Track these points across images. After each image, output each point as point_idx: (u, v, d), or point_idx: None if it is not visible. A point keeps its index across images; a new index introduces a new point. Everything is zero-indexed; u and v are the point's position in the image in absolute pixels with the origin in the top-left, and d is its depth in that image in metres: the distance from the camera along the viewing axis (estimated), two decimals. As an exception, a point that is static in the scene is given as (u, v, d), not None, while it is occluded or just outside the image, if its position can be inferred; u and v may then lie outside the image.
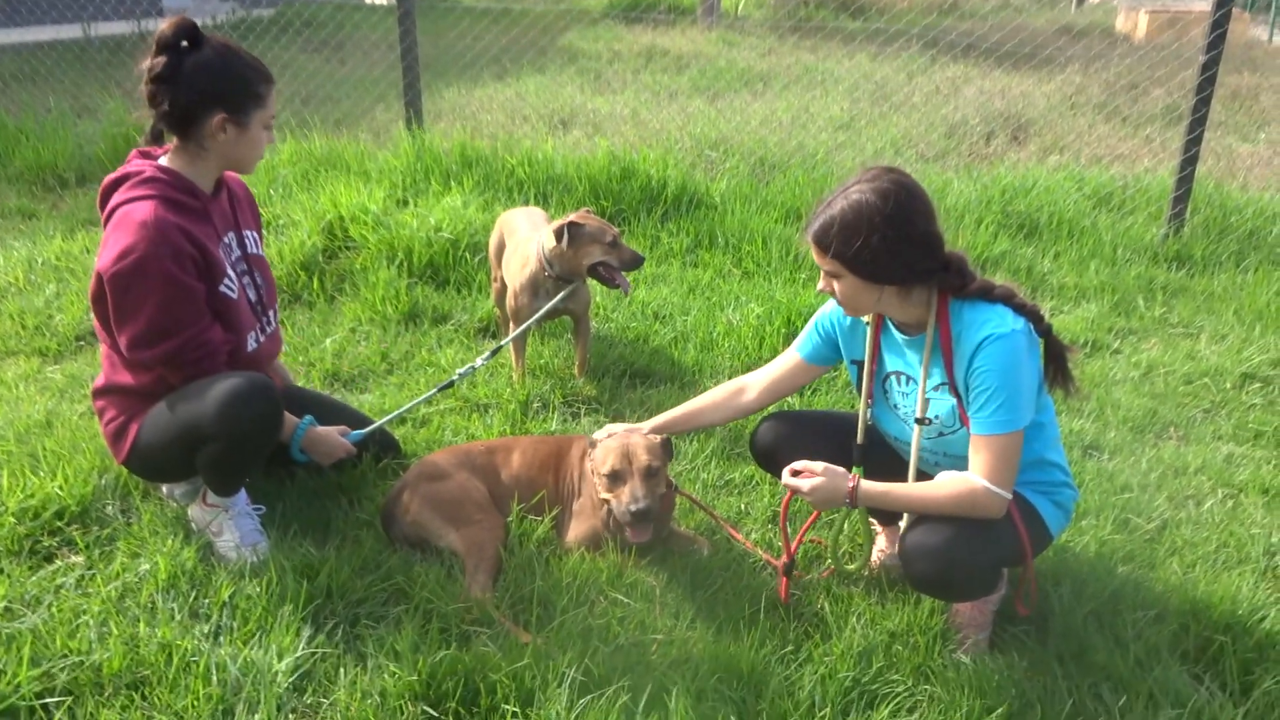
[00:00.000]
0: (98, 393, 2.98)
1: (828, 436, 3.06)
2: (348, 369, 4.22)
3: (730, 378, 4.30)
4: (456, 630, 2.66)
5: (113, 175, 2.85)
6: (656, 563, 3.03)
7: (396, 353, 4.39)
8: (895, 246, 2.48)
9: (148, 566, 2.77)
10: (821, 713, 2.48)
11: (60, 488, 3.03)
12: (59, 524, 2.95)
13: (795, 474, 2.70)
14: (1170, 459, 3.82)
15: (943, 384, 2.67)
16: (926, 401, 2.68)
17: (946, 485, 2.62)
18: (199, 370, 2.79)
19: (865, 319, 2.80)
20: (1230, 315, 5.17)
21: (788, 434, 3.06)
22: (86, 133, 7.52)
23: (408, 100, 6.86)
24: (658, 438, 3.00)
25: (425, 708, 2.40)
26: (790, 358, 2.99)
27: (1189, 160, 6.00)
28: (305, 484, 3.28)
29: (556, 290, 4.04)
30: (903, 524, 2.84)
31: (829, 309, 2.92)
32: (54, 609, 2.60)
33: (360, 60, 10.96)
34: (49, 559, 2.85)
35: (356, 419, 3.42)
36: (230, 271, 2.92)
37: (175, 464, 2.87)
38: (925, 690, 2.61)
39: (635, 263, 4.04)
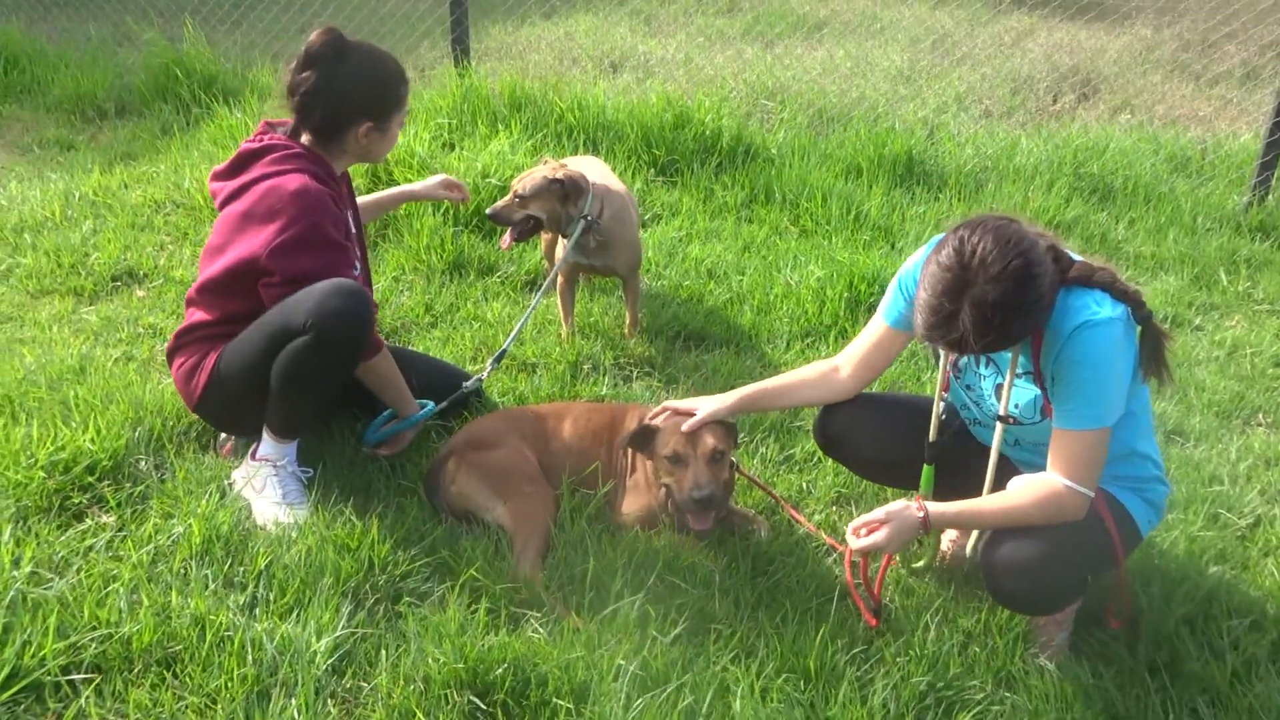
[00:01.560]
0: (174, 348, 2.96)
1: (898, 421, 2.85)
2: (390, 320, 4.05)
3: (789, 344, 4.11)
4: (505, 611, 2.50)
5: (253, 145, 2.88)
6: (714, 544, 2.85)
7: (441, 305, 4.20)
8: (1044, 294, 2.24)
9: (181, 529, 2.63)
10: (896, 722, 2.30)
11: (92, 440, 2.89)
12: (90, 479, 2.81)
13: (859, 532, 2.49)
14: (1260, 448, 3.57)
15: (1027, 372, 2.44)
16: (1008, 396, 2.46)
17: (1026, 492, 2.41)
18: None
19: None
20: (1321, 292, 4.86)
21: (855, 420, 2.85)
22: (126, 62, 7.33)
23: (455, 37, 6.59)
24: (720, 422, 2.78)
25: (472, 697, 2.25)
26: (877, 326, 2.76)
27: (1280, 125, 5.63)
28: (344, 448, 3.12)
29: (599, 248, 3.83)
30: (975, 533, 2.63)
31: (911, 266, 2.67)
32: (83, 574, 2.46)
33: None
34: (79, 517, 2.71)
35: (451, 376, 3.38)
36: (355, 251, 2.97)
37: (252, 393, 2.77)
38: (1006, 699, 2.43)
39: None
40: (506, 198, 3.85)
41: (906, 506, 2.46)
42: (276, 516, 2.76)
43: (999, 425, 2.49)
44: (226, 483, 2.90)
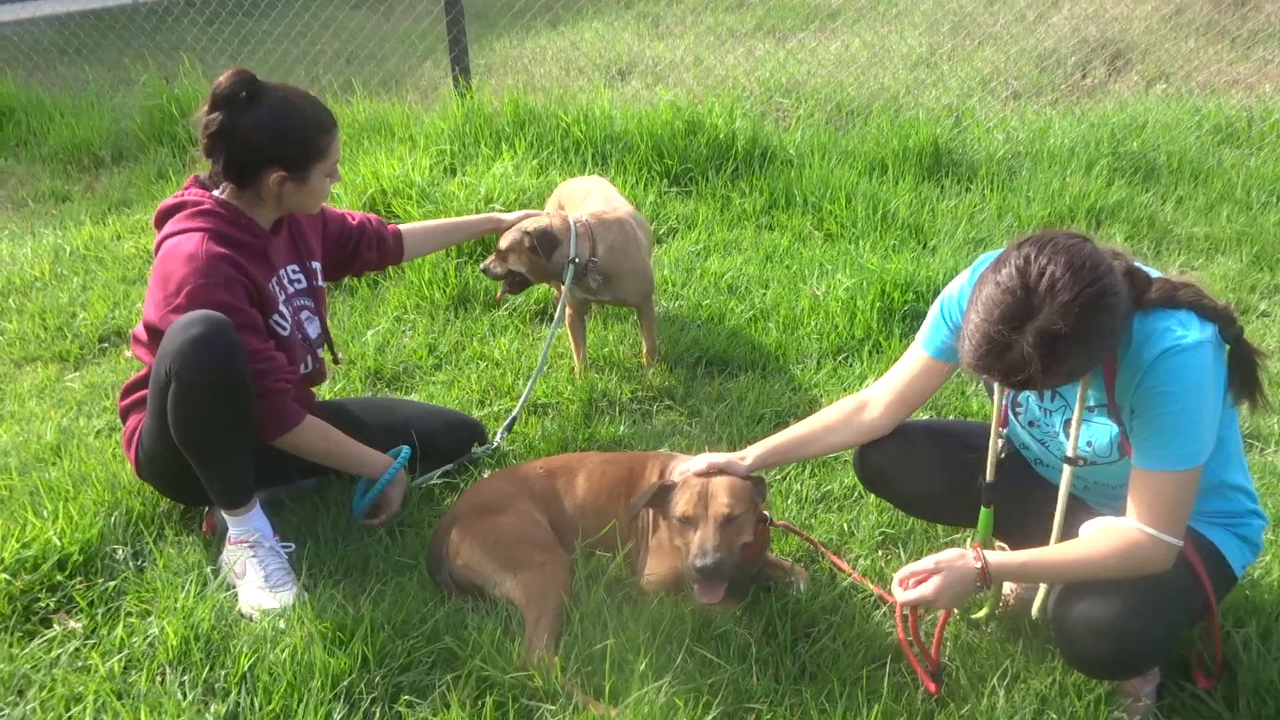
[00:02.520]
0: (125, 410, 2.84)
1: (947, 452, 2.54)
2: (390, 366, 3.80)
3: (819, 363, 3.81)
4: (515, 705, 2.23)
5: (169, 201, 2.76)
6: (749, 607, 2.56)
7: (445, 344, 3.94)
8: (1117, 318, 1.94)
9: (156, 631, 2.38)
10: (969, 819, 2.00)
11: (62, 532, 2.65)
12: (60, 576, 2.57)
13: (906, 583, 2.19)
14: (1351, 451, 3.22)
15: (1101, 405, 2.12)
16: (1077, 433, 2.15)
17: (1100, 541, 2.09)
18: (265, 388, 2.62)
19: None
20: (1396, 267, 4.47)
21: (899, 452, 2.55)
22: (123, 106, 7.16)
23: (453, 57, 6.36)
24: (742, 480, 2.49)
25: (480, 814, 1.98)
26: (915, 357, 2.45)
27: (1335, 86, 5.24)
28: (340, 519, 2.86)
29: (605, 282, 3.56)
30: (1042, 589, 2.31)
31: (955, 290, 2.37)
32: (44, 693, 2.21)
33: (406, 11, 10.45)
34: (45, 623, 2.47)
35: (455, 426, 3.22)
36: (282, 307, 2.79)
37: (174, 458, 2.58)
38: (1094, 778, 2.12)
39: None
40: (494, 254, 3.61)
41: (962, 556, 2.16)
42: (260, 603, 2.51)
43: (1067, 469, 2.17)
44: (210, 569, 2.66)
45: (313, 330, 2.94)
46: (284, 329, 2.77)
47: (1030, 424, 2.31)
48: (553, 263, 3.48)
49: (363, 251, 3.20)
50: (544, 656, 2.34)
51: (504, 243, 3.53)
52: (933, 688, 2.27)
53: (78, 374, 3.81)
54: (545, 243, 3.44)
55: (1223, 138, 5.85)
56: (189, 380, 2.44)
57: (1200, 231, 4.91)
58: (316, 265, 2.99)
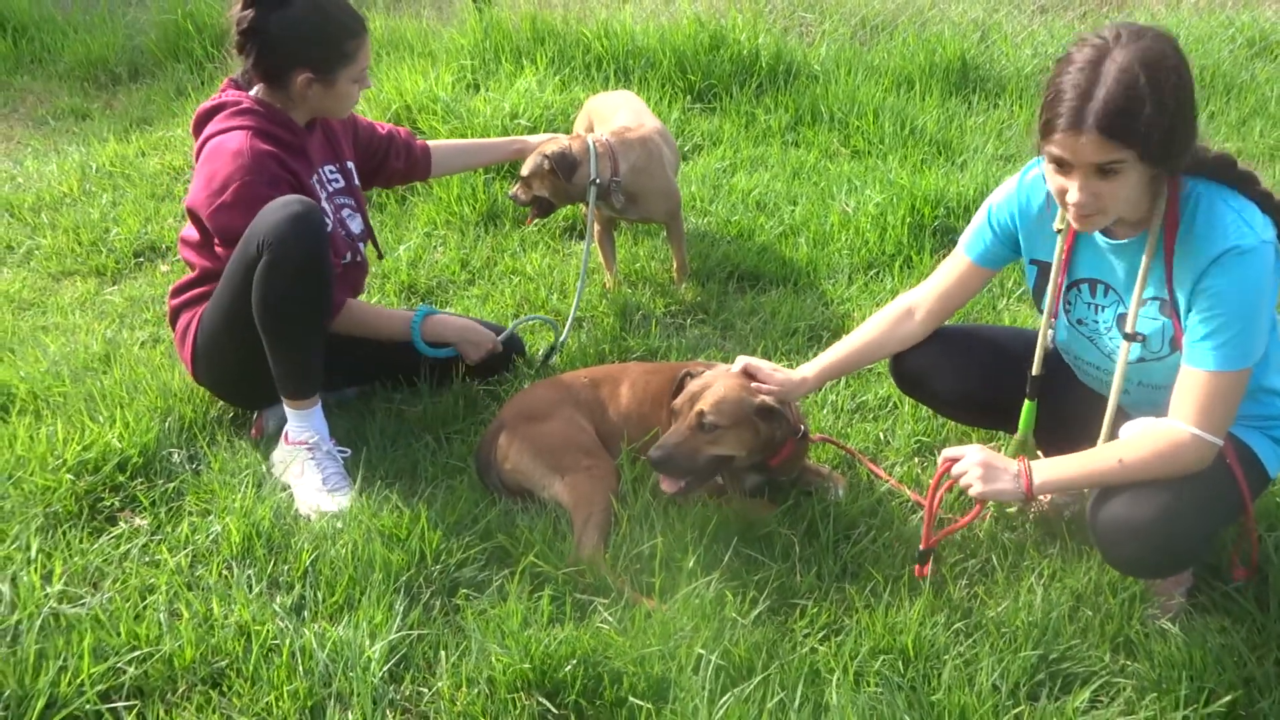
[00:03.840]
0: (174, 311, 2.90)
1: (988, 359, 2.58)
2: (425, 280, 3.82)
3: (851, 278, 3.83)
4: (569, 599, 2.31)
5: (207, 104, 2.80)
6: (791, 509, 2.63)
7: (477, 259, 3.97)
8: (1186, 119, 1.95)
9: (219, 528, 2.46)
10: (1009, 705, 2.08)
11: (120, 436, 2.72)
12: (121, 478, 2.64)
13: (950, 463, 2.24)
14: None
15: (1156, 298, 2.15)
16: (1136, 311, 2.16)
17: (1145, 443, 2.11)
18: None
19: (1057, 221, 2.26)
20: None
21: (936, 355, 2.58)
22: (136, 22, 7.06)
23: (471, -30, 6.24)
24: (739, 395, 2.50)
25: (541, 699, 2.07)
26: (958, 262, 2.48)
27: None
28: (387, 425, 2.92)
29: (629, 202, 3.56)
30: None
31: (1002, 197, 2.38)
32: (118, 585, 2.30)
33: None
34: (111, 520, 2.55)
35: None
36: (325, 205, 2.83)
37: (239, 349, 2.67)
38: (1129, 668, 2.20)
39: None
40: (518, 181, 3.64)
41: (1010, 465, 2.19)
42: (319, 505, 2.58)
43: (1125, 345, 2.19)
44: (264, 468, 2.73)
45: (355, 226, 2.98)
46: (326, 225, 2.78)
47: (1078, 321, 2.33)
48: (574, 185, 3.49)
49: (391, 160, 3.23)
50: (594, 554, 2.41)
51: (525, 169, 3.55)
52: (919, 569, 2.34)
53: (115, 288, 3.85)
54: (564, 165, 3.44)
55: (1256, 51, 5.77)
56: (282, 256, 2.50)
57: (1233, 147, 4.86)
58: (351, 166, 3.03)
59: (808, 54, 5.74)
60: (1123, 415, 2.30)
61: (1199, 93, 5.28)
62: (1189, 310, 2.08)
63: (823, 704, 2.08)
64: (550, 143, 3.52)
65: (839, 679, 2.10)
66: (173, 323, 2.91)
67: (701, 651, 2.14)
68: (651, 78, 5.41)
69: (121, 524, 2.51)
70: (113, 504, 2.58)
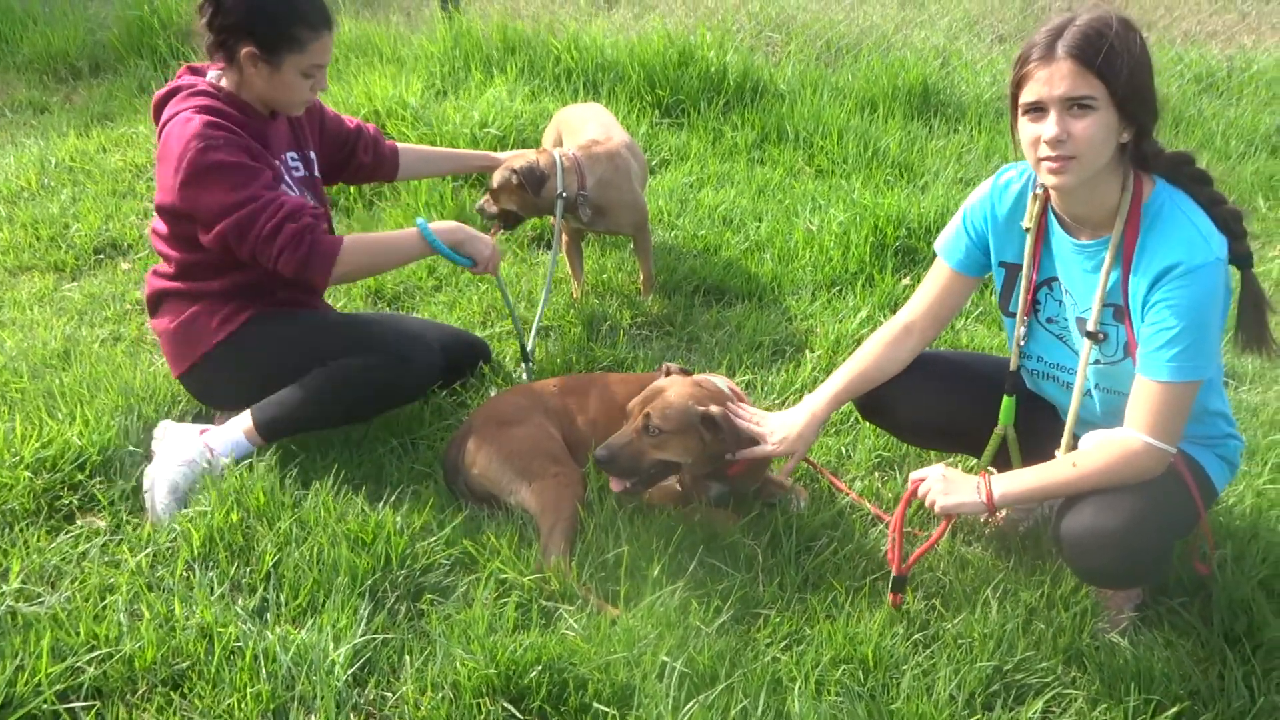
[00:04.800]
0: (153, 303, 2.86)
1: (951, 381, 2.63)
2: (391, 286, 3.82)
3: (814, 294, 3.88)
4: (535, 605, 2.32)
5: (164, 90, 2.77)
6: (754, 521, 2.66)
7: (444, 266, 3.97)
8: (1148, 75, 2.06)
9: (180, 529, 2.43)
10: (965, 714, 2.13)
11: (80, 434, 2.68)
12: (80, 476, 2.61)
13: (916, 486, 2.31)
14: (1319, 390, 3.38)
15: (1110, 304, 2.21)
16: (1100, 306, 2.23)
17: (1101, 454, 2.19)
18: (295, 225, 2.61)
19: (1025, 220, 2.33)
20: (1366, 218, 4.63)
21: (898, 382, 2.60)
22: (98, 16, 6.97)
23: (441, -23, 6.25)
24: (696, 404, 2.51)
25: (506, 705, 2.08)
26: (940, 273, 2.52)
27: (1316, 40, 5.34)
28: (353, 430, 2.91)
29: (596, 215, 3.59)
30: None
31: (976, 200, 2.43)
32: (78, 585, 2.27)
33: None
34: (69, 519, 2.52)
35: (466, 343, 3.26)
36: (288, 178, 2.79)
37: (277, 374, 2.72)
38: (1080, 679, 2.26)
39: None
40: (486, 194, 3.66)
41: (970, 479, 2.26)
42: (157, 487, 2.58)
43: (1086, 342, 2.25)
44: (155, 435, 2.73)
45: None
46: (288, 186, 2.78)
47: (1048, 320, 2.39)
48: (542, 198, 3.51)
49: (358, 154, 3.20)
50: (560, 561, 2.43)
51: (494, 182, 3.57)
52: (894, 598, 2.38)
53: (75, 284, 3.80)
54: (532, 180, 3.47)
55: (1203, 87, 5.95)
56: (406, 382, 2.78)
57: (1180, 179, 5.02)
58: (314, 156, 2.99)
59: (774, 73, 5.82)
60: (1094, 426, 2.37)
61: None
62: (1142, 319, 2.15)
63: (784, 712, 2.11)
64: (518, 158, 3.54)
65: (800, 687, 2.14)
66: (153, 308, 2.85)
67: (666, 659, 2.16)
68: (620, 91, 5.46)
69: (79, 523, 2.47)
70: (71, 502, 2.55)
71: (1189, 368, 2.11)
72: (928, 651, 2.28)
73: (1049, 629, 2.37)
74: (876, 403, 2.65)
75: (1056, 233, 2.29)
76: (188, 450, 2.62)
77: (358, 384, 2.68)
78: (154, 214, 2.77)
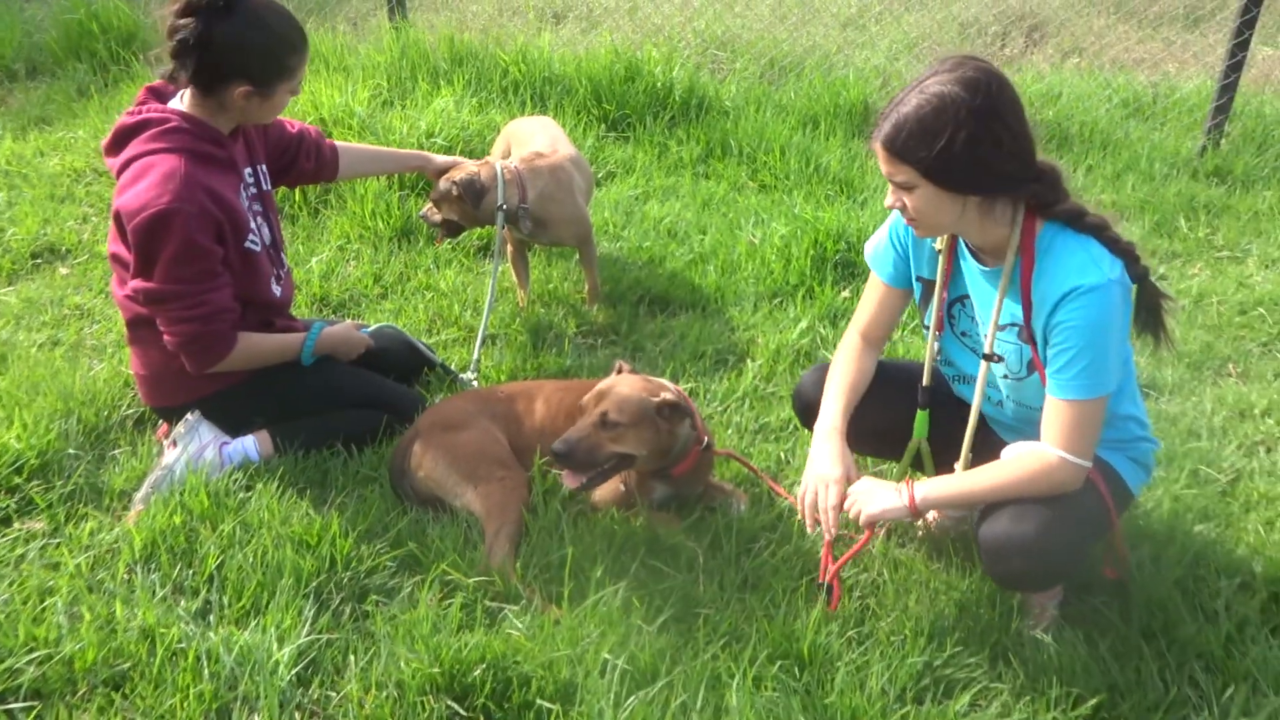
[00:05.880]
0: (133, 310, 2.80)
1: (883, 389, 2.72)
2: (337, 293, 3.83)
3: (756, 305, 3.97)
4: (480, 606, 2.35)
5: (129, 120, 2.71)
6: (695, 524, 2.72)
7: (390, 274, 3.99)
8: (982, 147, 2.08)
9: (120, 531, 2.43)
10: (896, 708, 2.20)
11: (18, 437, 2.66)
12: (17, 480, 2.59)
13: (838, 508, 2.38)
14: (1234, 400, 3.54)
15: (1014, 325, 2.32)
16: (994, 333, 2.33)
17: (1019, 465, 2.30)
18: (201, 328, 2.65)
19: (937, 243, 2.43)
20: (1279, 236, 4.84)
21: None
22: (35, 18, 6.86)
23: (389, -12, 6.26)
24: (650, 396, 2.59)
25: (450, 703, 2.11)
26: (874, 286, 2.61)
27: (1234, 66, 5.58)
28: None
29: (538, 227, 3.63)
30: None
31: (897, 215, 2.53)
32: (15, 587, 2.25)
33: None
34: (6, 522, 2.49)
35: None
36: (252, 223, 2.82)
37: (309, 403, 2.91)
38: (1005, 674, 2.35)
39: None
40: (428, 203, 3.70)
41: (893, 486, 2.35)
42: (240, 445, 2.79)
43: (983, 365, 2.36)
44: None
45: (265, 235, 2.92)
46: (256, 245, 2.79)
47: (962, 334, 2.49)
48: (482, 210, 3.55)
49: (300, 160, 3.22)
50: (505, 563, 2.46)
51: (434, 193, 3.61)
52: (832, 604, 2.45)
53: (12, 288, 3.74)
54: (471, 192, 3.51)
55: (1130, 111, 6.18)
56: (358, 435, 2.92)
57: (1107, 198, 5.21)
58: (264, 169, 3.00)
59: (719, 90, 5.93)
60: (1009, 437, 2.48)
61: (1078, 147, 5.67)
62: (1045, 343, 2.25)
63: (723, 706, 2.17)
64: (459, 169, 3.57)
65: (739, 683, 2.20)
66: (131, 331, 2.82)
67: (608, 656, 2.21)
68: (568, 105, 5.52)
69: (15, 527, 2.45)
70: (8, 505, 2.53)
71: (1091, 385, 2.20)
72: (861, 648, 2.35)
73: (977, 626, 2.47)
74: (809, 410, 2.73)
75: (966, 256, 2.38)
76: (202, 448, 2.72)
77: (359, 430, 2.92)
78: (102, 223, 2.74)
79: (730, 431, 3.19)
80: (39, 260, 3.97)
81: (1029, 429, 2.38)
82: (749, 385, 3.38)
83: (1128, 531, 2.77)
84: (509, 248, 3.80)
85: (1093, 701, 2.25)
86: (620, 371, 2.73)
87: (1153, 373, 3.68)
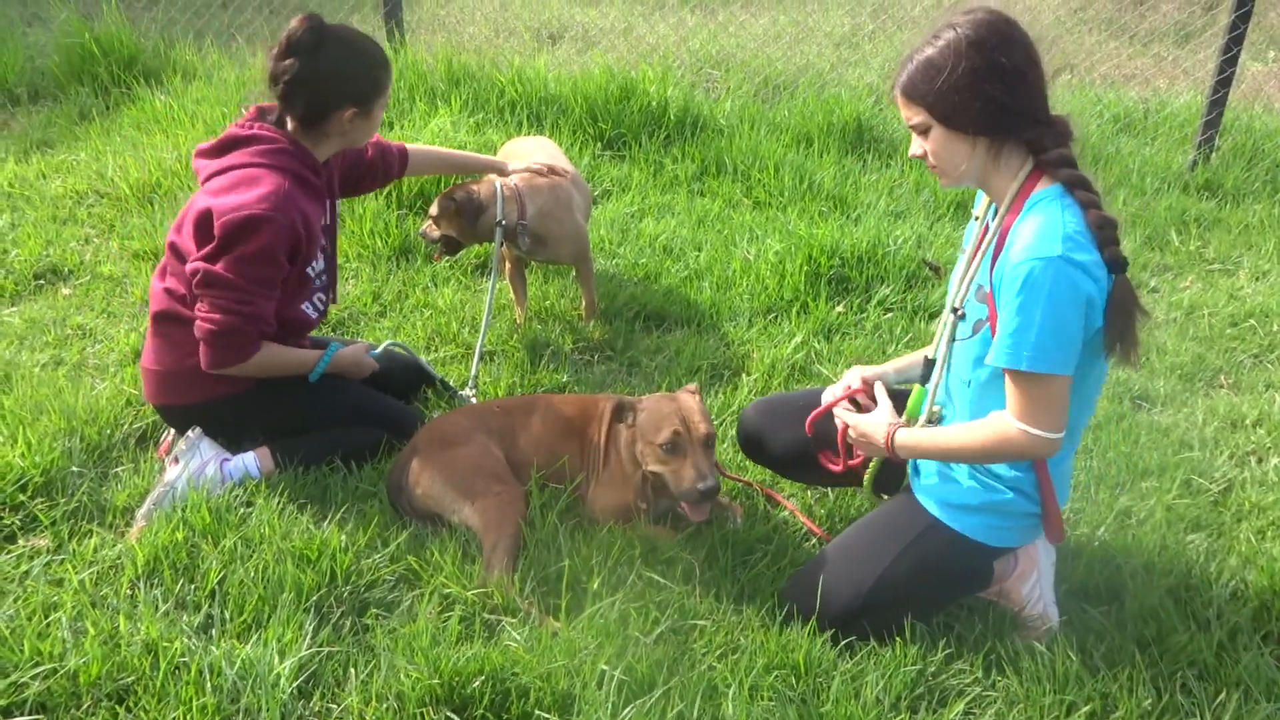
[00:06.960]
0: (163, 315, 2.87)
1: (786, 414, 2.78)
2: (336, 311, 3.86)
3: (751, 320, 4.01)
4: (478, 619, 2.38)
5: (241, 131, 2.80)
6: (691, 536, 2.75)
7: (389, 292, 4.03)
8: (983, 80, 2.11)
9: (124, 547, 2.45)
10: (891, 716, 2.23)
11: (22, 455, 2.69)
12: (21, 497, 2.62)
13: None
14: (1225, 411, 3.57)
15: (979, 284, 2.29)
16: (968, 285, 2.32)
17: (985, 428, 2.25)
18: (238, 323, 2.70)
19: (975, 213, 2.44)
20: (1270, 249, 4.89)
21: (774, 418, 2.78)
22: (38, 43, 6.93)
23: (388, 10, 6.34)
24: (697, 400, 2.69)
25: (449, 714, 2.13)
26: None
27: (1223, 82, 5.65)
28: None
29: (536, 245, 3.68)
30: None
31: None
32: (20, 603, 2.28)
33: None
34: (10, 539, 2.52)
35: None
36: (319, 253, 2.93)
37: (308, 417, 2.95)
38: (999, 682, 2.37)
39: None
40: (428, 219, 3.76)
41: (884, 420, 2.42)
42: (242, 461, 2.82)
43: (951, 317, 2.36)
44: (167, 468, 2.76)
45: (318, 266, 2.97)
46: (311, 272, 2.88)
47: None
48: (480, 227, 3.60)
49: (365, 183, 3.35)
50: (503, 576, 2.49)
51: (434, 209, 3.65)
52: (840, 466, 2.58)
53: (15, 309, 3.78)
54: (469, 209, 3.56)
55: (1121, 127, 6.24)
56: (359, 452, 2.95)
57: (1099, 213, 5.26)
58: (337, 204, 3.10)
59: (714, 108, 5.99)
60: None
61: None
62: (998, 304, 2.20)
63: (720, 716, 2.19)
64: (458, 187, 3.63)
65: (735, 693, 2.22)
66: (156, 324, 2.86)
67: (605, 667, 2.23)
68: (564, 124, 5.58)
69: (20, 544, 2.48)
70: (13, 523, 2.56)
71: (1031, 357, 2.11)
72: (856, 658, 2.38)
73: (970, 635, 2.49)
74: (751, 440, 2.86)
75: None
76: (212, 462, 2.77)
77: (358, 448, 2.96)
78: (188, 223, 2.75)
79: (725, 445, 3.21)
80: (41, 281, 4.01)
81: (957, 402, 2.41)
82: (744, 400, 3.41)
83: (1120, 542, 2.81)
84: (507, 265, 3.85)
85: (1086, 709, 2.27)
86: (623, 413, 2.78)
87: (1145, 384, 3.72)
